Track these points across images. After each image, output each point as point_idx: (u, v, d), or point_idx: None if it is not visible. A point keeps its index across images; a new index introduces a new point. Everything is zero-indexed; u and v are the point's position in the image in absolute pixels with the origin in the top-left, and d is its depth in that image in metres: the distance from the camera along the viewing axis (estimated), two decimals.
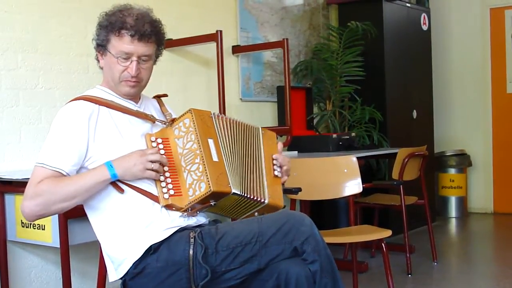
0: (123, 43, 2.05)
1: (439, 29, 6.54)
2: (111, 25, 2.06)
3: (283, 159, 2.29)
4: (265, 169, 2.22)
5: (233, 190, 2.06)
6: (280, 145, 2.34)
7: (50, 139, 2.03)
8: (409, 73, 5.73)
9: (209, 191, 2.00)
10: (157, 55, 2.19)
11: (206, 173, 2.02)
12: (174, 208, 2.05)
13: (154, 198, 2.04)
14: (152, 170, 2.00)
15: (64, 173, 1.98)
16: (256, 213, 2.19)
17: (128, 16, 2.07)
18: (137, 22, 2.06)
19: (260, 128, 2.31)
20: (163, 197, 2.04)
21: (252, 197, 2.12)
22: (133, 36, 2.05)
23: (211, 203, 2.05)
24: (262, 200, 2.14)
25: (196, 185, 2.03)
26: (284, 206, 2.23)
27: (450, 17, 6.64)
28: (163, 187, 2.04)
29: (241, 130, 2.25)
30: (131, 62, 2.07)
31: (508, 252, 4.85)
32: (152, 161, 1.99)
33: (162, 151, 2.09)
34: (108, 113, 2.09)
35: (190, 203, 2.04)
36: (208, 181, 2.00)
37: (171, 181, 2.06)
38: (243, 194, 2.09)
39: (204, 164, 2.03)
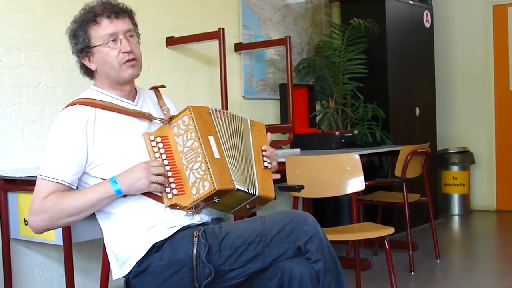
0: (104, 27, 2.07)
1: (441, 26, 6.53)
2: (85, 21, 2.08)
3: (271, 152, 2.26)
4: (255, 161, 2.19)
5: (237, 187, 2.06)
6: (269, 136, 2.31)
7: (50, 149, 2.02)
8: (412, 71, 5.72)
9: (213, 189, 1.99)
10: (138, 33, 2.18)
11: (209, 171, 2.01)
12: (178, 207, 2.05)
13: (158, 199, 2.05)
14: (157, 183, 2.00)
15: (66, 184, 1.99)
16: (247, 206, 2.18)
17: (95, 6, 2.10)
18: (106, 5, 2.10)
19: (248, 120, 2.29)
20: (167, 197, 2.04)
21: (248, 191, 2.10)
22: (109, 17, 2.07)
23: (215, 200, 2.05)
24: (253, 193, 2.11)
25: (200, 184, 2.03)
26: (275, 198, 2.21)
27: (452, 14, 6.62)
28: (166, 186, 2.04)
29: (235, 123, 2.24)
30: (120, 42, 2.08)
31: (511, 249, 4.85)
32: (156, 174, 1.99)
33: (162, 150, 2.08)
34: (105, 116, 2.07)
35: (194, 201, 2.04)
36: (212, 179, 2.00)
37: (174, 180, 2.05)
38: (246, 190, 2.09)
39: (207, 162, 2.03)
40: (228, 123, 2.21)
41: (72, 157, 1.99)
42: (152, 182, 1.98)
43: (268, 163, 2.23)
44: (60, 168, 1.98)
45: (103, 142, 2.03)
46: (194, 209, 2.07)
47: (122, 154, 2.04)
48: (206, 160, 2.03)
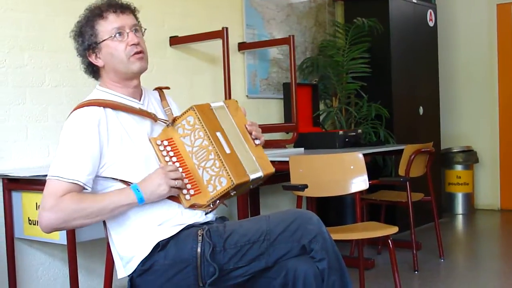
0: (111, 22, 2.09)
1: (445, 25, 6.52)
2: (91, 17, 2.11)
3: (256, 127, 2.23)
4: (246, 142, 2.18)
5: (251, 177, 2.07)
6: (243, 110, 2.29)
7: (62, 151, 1.98)
8: (416, 70, 5.72)
9: (232, 184, 2.01)
10: (142, 28, 2.19)
11: (224, 167, 2.02)
12: (196, 207, 2.06)
13: (176, 200, 2.05)
14: (176, 187, 2.01)
15: (81, 184, 1.95)
16: (250, 186, 2.19)
17: (100, 3, 2.13)
18: (111, 2, 2.13)
19: (223, 103, 2.25)
20: (185, 199, 2.05)
21: (257, 176, 2.10)
22: (116, 12, 2.10)
23: (232, 194, 2.07)
24: (259, 176, 2.12)
25: (216, 181, 2.04)
26: (274, 170, 2.20)
27: (456, 13, 6.61)
28: (182, 188, 2.05)
29: (224, 111, 2.22)
30: (127, 35, 2.10)
31: None
32: (174, 179, 1.99)
33: (171, 153, 2.08)
34: (115, 116, 2.07)
35: (212, 198, 2.05)
36: (229, 175, 2.01)
37: (188, 181, 2.06)
38: (256, 177, 2.09)
39: (221, 159, 2.03)
40: (226, 115, 2.21)
41: (86, 157, 1.96)
42: (172, 187, 1.99)
43: (258, 140, 2.21)
44: (74, 168, 1.94)
45: (117, 142, 2.03)
46: (211, 206, 2.08)
47: (136, 153, 2.04)
48: (220, 156, 2.04)
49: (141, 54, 2.12)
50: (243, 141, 2.17)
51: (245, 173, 2.06)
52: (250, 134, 2.21)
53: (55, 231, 2.00)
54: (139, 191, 1.97)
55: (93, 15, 2.11)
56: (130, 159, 2.03)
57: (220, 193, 2.03)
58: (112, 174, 2.03)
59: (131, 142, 2.05)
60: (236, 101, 2.31)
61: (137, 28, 2.14)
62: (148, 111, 2.15)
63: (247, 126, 2.22)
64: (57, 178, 1.93)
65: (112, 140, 2.02)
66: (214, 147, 2.05)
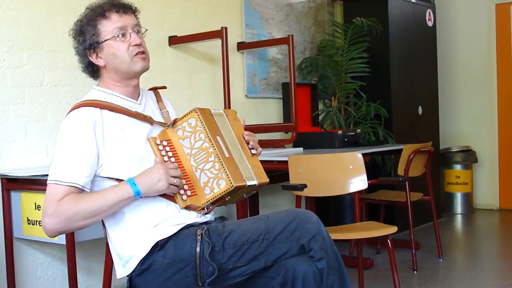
0: (114, 21, 2.08)
1: (444, 25, 6.52)
2: (93, 17, 2.09)
3: (253, 137, 2.24)
4: (242, 151, 2.19)
5: (248, 183, 2.07)
6: (242, 120, 2.29)
7: (59, 154, 1.98)
8: (415, 69, 5.72)
9: (231, 187, 2.01)
10: (142, 30, 2.20)
11: (224, 170, 2.03)
12: (191, 209, 2.06)
13: (171, 200, 2.05)
14: (174, 185, 2.00)
15: (79, 186, 1.95)
16: (244, 195, 2.20)
17: (102, 3, 2.12)
18: (113, 1, 2.12)
19: (223, 111, 2.27)
20: (182, 199, 2.05)
21: (252, 184, 2.11)
22: (118, 12, 2.09)
23: (226, 199, 2.07)
24: (254, 184, 2.12)
25: (214, 183, 2.04)
26: (269, 179, 2.21)
27: (455, 13, 6.61)
28: (180, 188, 2.04)
29: (222, 119, 2.23)
30: (130, 35, 2.09)
31: None
32: (174, 177, 1.99)
33: (170, 153, 2.09)
34: (112, 116, 2.06)
35: (209, 201, 2.05)
36: (229, 177, 2.01)
37: (185, 182, 2.06)
38: (251, 184, 2.09)
39: (221, 162, 2.04)
40: (225, 123, 2.22)
41: (83, 159, 1.96)
42: (170, 184, 1.99)
43: (254, 150, 2.22)
44: (72, 171, 1.95)
45: (113, 142, 2.02)
46: (206, 210, 2.08)
47: (132, 153, 2.04)
48: (220, 159, 2.04)
49: (143, 54, 2.12)
50: (240, 149, 2.18)
51: (242, 177, 2.06)
52: (248, 143, 2.22)
53: (59, 234, 2.01)
54: (135, 184, 1.96)
55: (95, 14, 2.09)
56: (127, 158, 2.03)
57: (217, 195, 2.03)
58: (110, 174, 2.03)
59: (127, 142, 2.05)
60: (235, 111, 2.32)
61: (139, 29, 2.15)
62: (145, 115, 2.14)
63: (244, 135, 2.23)
64: (55, 182, 1.95)
65: (108, 140, 2.02)
66: (214, 149, 2.06)
